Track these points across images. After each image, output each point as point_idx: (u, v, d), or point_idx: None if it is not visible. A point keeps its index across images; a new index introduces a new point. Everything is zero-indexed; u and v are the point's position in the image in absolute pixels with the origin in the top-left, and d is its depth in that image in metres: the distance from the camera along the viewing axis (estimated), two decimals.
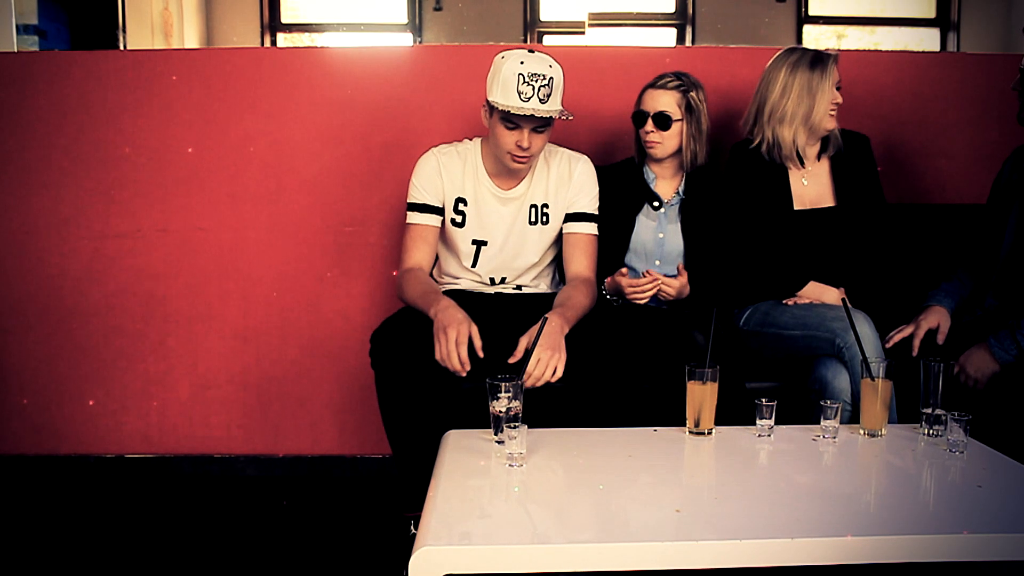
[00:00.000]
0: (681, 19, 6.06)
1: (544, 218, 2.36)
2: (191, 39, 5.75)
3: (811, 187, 2.49)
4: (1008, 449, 1.77)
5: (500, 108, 2.11)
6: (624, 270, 2.41)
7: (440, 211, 2.33)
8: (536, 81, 2.10)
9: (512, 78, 2.10)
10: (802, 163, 2.47)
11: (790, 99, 2.40)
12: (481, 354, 1.99)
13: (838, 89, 2.43)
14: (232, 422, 2.91)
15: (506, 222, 2.35)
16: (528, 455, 1.71)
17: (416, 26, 5.99)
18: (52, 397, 2.90)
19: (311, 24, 6.15)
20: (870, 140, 2.54)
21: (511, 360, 2.03)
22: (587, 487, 1.57)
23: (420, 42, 5.91)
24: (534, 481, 1.61)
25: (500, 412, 1.76)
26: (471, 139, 2.38)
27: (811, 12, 5.97)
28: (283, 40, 6.09)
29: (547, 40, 6.08)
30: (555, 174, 2.35)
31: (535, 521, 1.44)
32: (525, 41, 5.95)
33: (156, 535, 2.46)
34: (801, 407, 2.22)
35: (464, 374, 1.96)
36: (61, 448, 2.92)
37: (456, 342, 1.96)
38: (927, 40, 5.93)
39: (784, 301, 2.42)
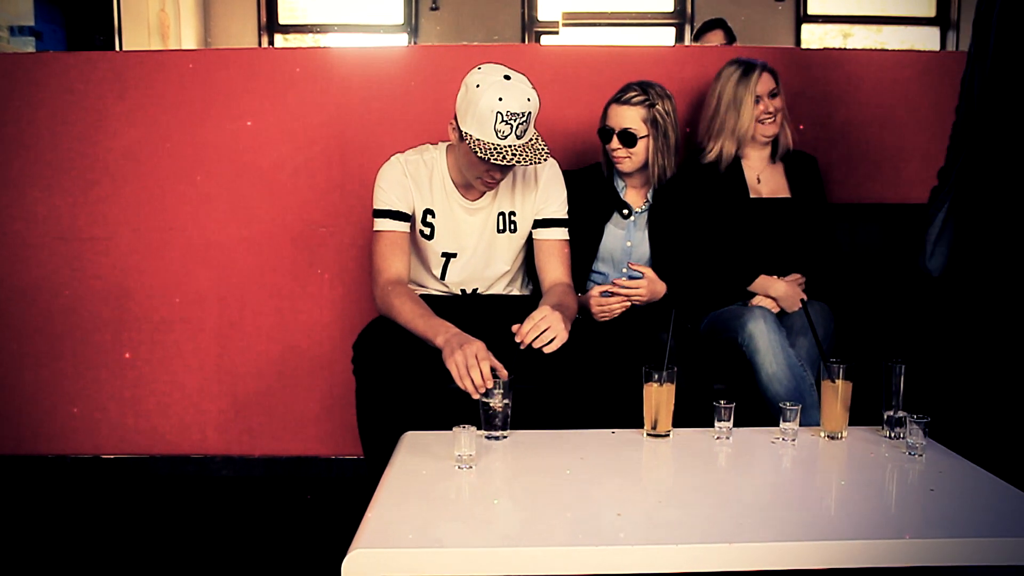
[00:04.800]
0: (680, 18, 6.03)
1: (512, 226, 2.31)
2: (188, 41, 5.76)
3: (765, 185, 2.58)
4: (974, 448, 1.74)
5: (475, 149, 2.01)
6: (601, 288, 2.40)
7: (409, 217, 2.25)
8: (514, 120, 2.00)
9: (489, 115, 1.99)
10: (739, 175, 2.54)
11: (718, 114, 2.53)
12: (505, 374, 1.86)
13: (773, 97, 2.51)
14: (208, 423, 2.91)
15: (475, 232, 2.29)
16: (479, 457, 1.70)
17: (412, 26, 5.99)
18: (28, 397, 2.90)
19: (309, 25, 6.16)
20: (817, 160, 2.68)
21: (515, 333, 1.97)
22: (532, 490, 1.55)
23: (415, 42, 5.90)
24: (480, 484, 1.60)
25: (496, 407, 1.78)
26: (434, 144, 2.31)
27: (810, 11, 5.92)
28: (281, 41, 6.10)
29: (545, 40, 6.05)
30: (521, 179, 2.30)
31: (470, 524, 1.42)
32: (523, 41, 5.93)
33: (132, 535, 2.45)
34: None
35: (477, 395, 1.83)
36: (37, 448, 2.92)
37: (469, 365, 1.84)
38: (929, 39, 5.88)
39: (749, 303, 2.43)
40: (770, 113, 2.51)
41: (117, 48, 5.07)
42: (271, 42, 6.03)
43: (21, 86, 2.81)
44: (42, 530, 2.49)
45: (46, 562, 2.28)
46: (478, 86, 2.02)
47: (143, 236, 2.85)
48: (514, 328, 1.97)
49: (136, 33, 5.34)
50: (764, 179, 2.58)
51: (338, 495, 2.75)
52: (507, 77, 2.03)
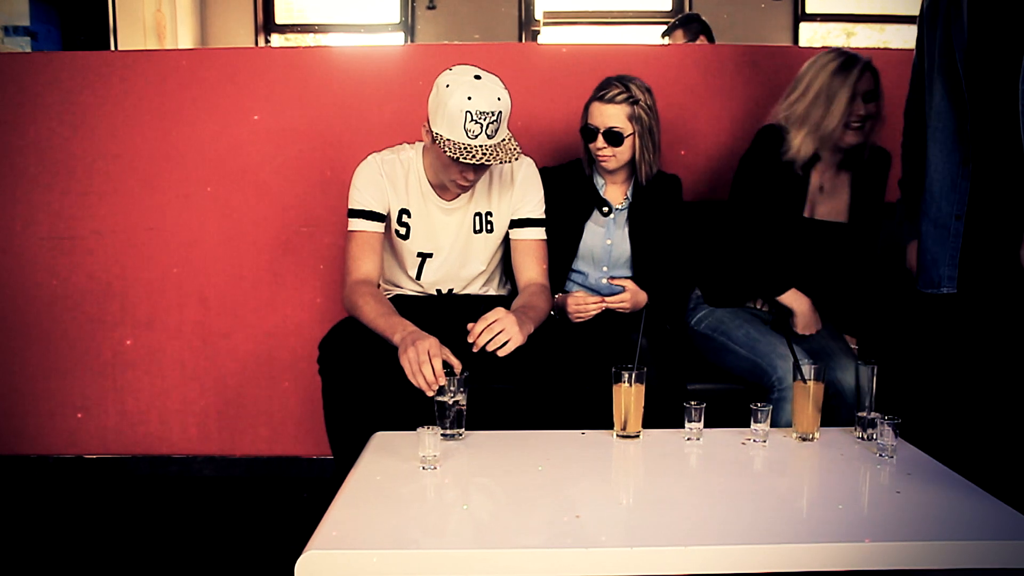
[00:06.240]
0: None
1: (488, 226, 2.29)
2: (185, 41, 5.76)
3: (826, 198, 2.36)
4: (948, 448, 1.73)
5: (445, 149, 2.00)
6: (578, 292, 2.39)
7: (384, 218, 2.23)
8: (484, 119, 1.98)
9: (459, 115, 1.97)
10: (806, 174, 2.31)
11: (807, 101, 2.25)
12: (459, 369, 1.86)
13: (869, 100, 2.24)
14: (189, 423, 2.90)
15: (451, 232, 2.27)
16: (446, 458, 1.69)
17: (409, 26, 5.98)
18: (10, 398, 2.90)
19: (306, 25, 6.16)
20: (891, 156, 2.40)
21: (469, 331, 1.96)
22: (496, 492, 1.54)
23: (412, 42, 5.89)
24: (443, 485, 1.58)
25: (448, 404, 1.77)
26: (411, 144, 2.29)
27: (808, 10, 5.89)
28: (279, 41, 6.10)
29: (542, 39, 6.03)
30: (497, 179, 2.28)
31: (428, 527, 1.40)
32: (520, 40, 5.92)
33: (114, 535, 2.45)
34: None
35: (431, 393, 1.82)
36: (19, 448, 2.92)
37: (421, 361, 1.83)
38: None
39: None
40: (861, 117, 2.23)
41: (113, 48, 5.08)
42: (267, 42, 6.03)
43: (16, 85, 2.81)
44: (24, 531, 2.49)
45: (29, 563, 2.28)
46: (448, 86, 2.00)
47: (125, 236, 2.84)
48: (469, 326, 1.96)
49: (132, 34, 5.34)
50: (827, 190, 2.35)
51: (319, 495, 2.74)
52: (477, 77, 2.01)
